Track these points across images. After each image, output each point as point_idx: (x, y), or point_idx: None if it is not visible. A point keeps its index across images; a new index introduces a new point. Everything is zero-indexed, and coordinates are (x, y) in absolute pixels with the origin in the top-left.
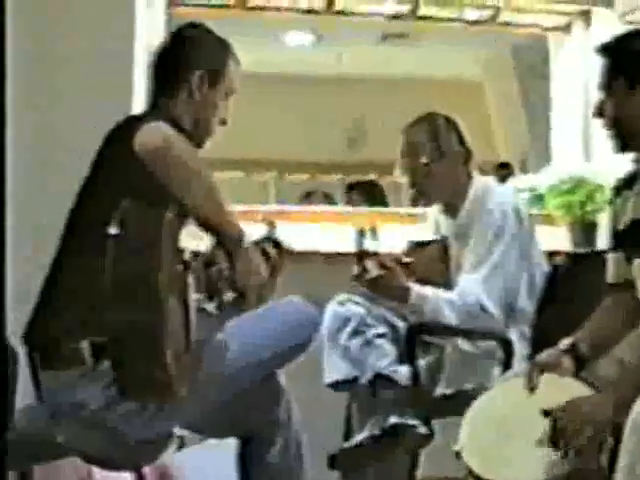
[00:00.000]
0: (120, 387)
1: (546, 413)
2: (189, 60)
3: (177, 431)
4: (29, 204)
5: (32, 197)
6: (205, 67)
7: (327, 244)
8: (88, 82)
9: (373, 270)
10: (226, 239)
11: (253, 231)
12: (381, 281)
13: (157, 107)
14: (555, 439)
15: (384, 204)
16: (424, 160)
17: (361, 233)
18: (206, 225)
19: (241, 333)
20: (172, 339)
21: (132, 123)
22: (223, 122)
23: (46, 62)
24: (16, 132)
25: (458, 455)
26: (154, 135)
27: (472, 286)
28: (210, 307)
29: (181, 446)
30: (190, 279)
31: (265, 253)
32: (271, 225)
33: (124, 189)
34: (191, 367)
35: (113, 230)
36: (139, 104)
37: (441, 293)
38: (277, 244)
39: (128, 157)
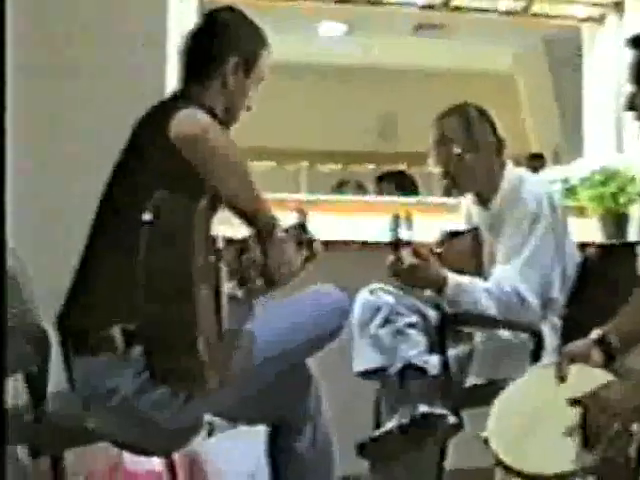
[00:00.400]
0: (151, 374)
1: (574, 402)
2: (223, 47)
3: (207, 418)
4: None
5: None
6: (240, 55)
7: (359, 234)
8: (119, 67)
9: (408, 259)
10: (260, 227)
11: (284, 220)
12: (417, 271)
13: (189, 92)
14: (584, 428)
15: (415, 194)
16: (457, 150)
17: (396, 221)
18: (240, 213)
19: (271, 321)
20: (204, 327)
21: (166, 109)
22: (248, 108)
23: (72, 44)
24: (32, 123)
25: (486, 442)
26: (191, 123)
27: (509, 276)
28: (240, 294)
29: (211, 432)
30: (222, 267)
31: (298, 242)
32: (302, 213)
33: (158, 177)
34: (222, 356)
35: (147, 217)
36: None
37: (478, 282)
38: (307, 232)
39: (163, 145)
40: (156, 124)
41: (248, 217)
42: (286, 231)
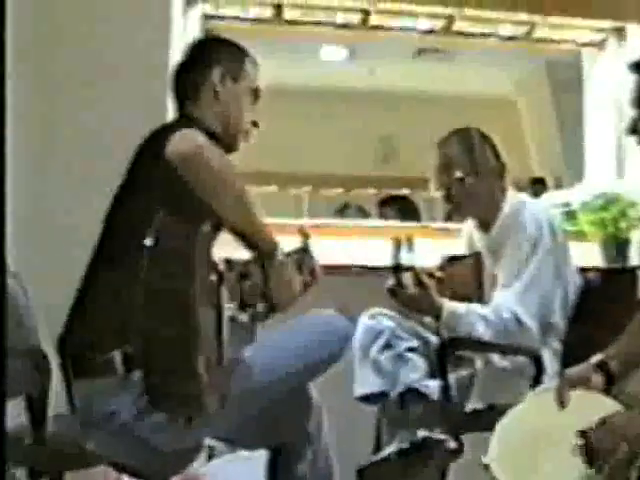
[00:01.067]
0: (150, 398)
1: (582, 433)
2: (207, 60)
3: (207, 442)
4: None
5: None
6: (223, 64)
7: (360, 258)
8: (122, 96)
9: (409, 287)
10: (260, 251)
11: (287, 245)
12: (415, 299)
13: (185, 114)
14: (590, 456)
15: (417, 219)
16: (459, 174)
17: (397, 244)
18: (239, 235)
19: (272, 345)
20: (204, 351)
21: (163, 132)
22: (255, 124)
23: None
24: (33, 131)
25: (487, 468)
26: (185, 142)
27: (507, 301)
28: (243, 318)
29: (211, 456)
30: (224, 291)
31: (299, 266)
32: (305, 236)
33: (158, 200)
34: (222, 380)
35: (149, 242)
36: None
37: (475, 309)
38: (310, 255)
39: (161, 166)
40: (154, 146)
41: (248, 239)
42: (288, 255)
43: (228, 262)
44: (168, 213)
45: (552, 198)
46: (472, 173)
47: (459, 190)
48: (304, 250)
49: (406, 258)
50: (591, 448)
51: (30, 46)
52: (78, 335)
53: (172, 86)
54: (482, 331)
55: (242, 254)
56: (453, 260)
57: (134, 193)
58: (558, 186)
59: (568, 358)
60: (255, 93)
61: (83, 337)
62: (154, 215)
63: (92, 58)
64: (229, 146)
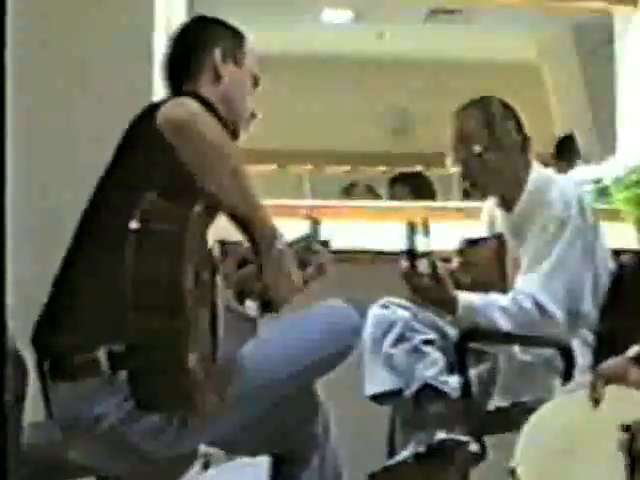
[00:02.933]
0: (139, 399)
1: (624, 428)
2: (207, 40)
3: (203, 449)
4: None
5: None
6: (223, 44)
7: (370, 243)
8: (104, 79)
9: (424, 278)
10: (256, 236)
11: (286, 229)
12: (429, 292)
13: (184, 92)
14: (632, 455)
15: (432, 199)
16: (478, 149)
17: (411, 229)
18: (235, 218)
19: (274, 341)
20: (197, 346)
21: (156, 105)
22: (253, 115)
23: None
24: (23, 124)
25: (513, 474)
26: (178, 108)
27: (529, 287)
28: (242, 310)
29: (207, 464)
30: (219, 280)
31: (304, 257)
32: (315, 222)
33: (147, 177)
34: (219, 377)
35: (134, 225)
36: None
37: (492, 300)
38: (322, 243)
39: (150, 136)
40: (145, 118)
41: (242, 221)
42: (292, 244)
43: (223, 245)
44: (157, 192)
45: (581, 174)
46: (492, 147)
47: (478, 166)
48: (311, 238)
49: (422, 243)
50: (632, 451)
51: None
52: (57, 332)
53: (165, 69)
54: (502, 324)
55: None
56: (473, 243)
57: (121, 170)
58: (587, 160)
59: (601, 351)
60: (254, 80)
61: (63, 334)
62: (141, 195)
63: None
64: (231, 132)
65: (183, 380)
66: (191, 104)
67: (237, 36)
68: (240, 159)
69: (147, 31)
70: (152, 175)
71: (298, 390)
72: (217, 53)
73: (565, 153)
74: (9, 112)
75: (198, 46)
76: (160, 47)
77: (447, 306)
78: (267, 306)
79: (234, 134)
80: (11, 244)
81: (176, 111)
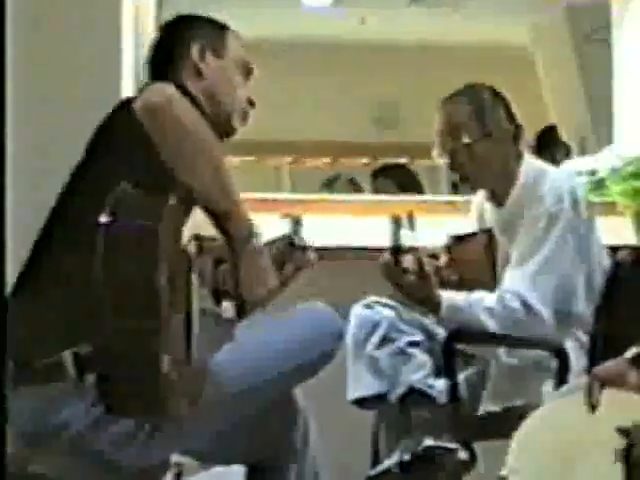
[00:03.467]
0: (108, 404)
1: (622, 432)
2: (185, 37)
3: (175, 458)
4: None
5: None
6: (201, 39)
7: (353, 239)
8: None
9: (407, 274)
10: (231, 233)
11: (265, 225)
12: (411, 289)
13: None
14: (629, 462)
15: (418, 192)
16: (466, 139)
17: (397, 222)
18: (209, 210)
19: (251, 345)
20: (170, 348)
21: (135, 96)
22: (251, 102)
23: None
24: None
25: None
26: (154, 93)
27: (516, 285)
28: (218, 311)
29: (179, 475)
30: (194, 279)
31: (283, 258)
32: (296, 223)
33: (120, 167)
34: (193, 382)
35: (104, 218)
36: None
37: (477, 300)
38: (303, 249)
39: (125, 123)
40: (121, 107)
41: (220, 218)
42: (273, 243)
43: (199, 240)
44: (130, 183)
45: (576, 165)
46: (482, 137)
47: (467, 157)
48: (292, 238)
49: (407, 238)
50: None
51: None
52: (17, 333)
53: (149, 72)
54: (488, 324)
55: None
56: (461, 239)
57: (93, 163)
58: (583, 151)
59: (597, 353)
60: (246, 69)
61: (25, 336)
62: (113, 186)
63: None
64: (224, 129)
65: (155, 384)
66: (168, 89)
67: (217, 29)
68: (219, 149)
69: (115, 29)
70: (125, 165)
71: (276, 398)
72: (194, 50)
73: (547, 147)
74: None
75: (176, 44)
76: (128, 47)
77: (430, 305)
78: (240, 308)
79: (226, 130)
80: (11, 244)
81: (152, 97)
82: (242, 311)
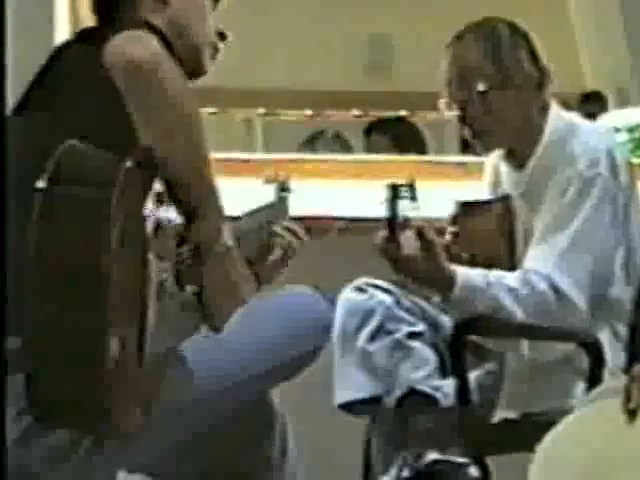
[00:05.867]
0: (39, 412)
1: None
2: None
3: (123, 476)
4: None
5: None
6: None
7: (341, 207)
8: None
9: (408, 247)
10: (196, 231)
11: (234, 191)
12: (415, 262)
13: (120, 19)
14: None
15: (420, 151)
16: (481, 87)
17: (394, 191)
18: (176, 193)
19: (224, 340)
20: (118, 342)
21: (94, 35)
22: (222, 35)
23: None
24: None
25: None
26: (135, 45)
27: (543, 264)
28: (185, 297)
29: None
30: (152, 259)
31: (263, 244)
32: (282, 189)
33: (71, 119)
34: (146, 385)
35: (41, 184)
36: None
37: (498, 279)
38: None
39: (89, 73)
40: (81, 50)
41: (185, 209)
42: (249, 218)
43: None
44: (78, 138)
45: (614, 120)
46: (500, 84)
47: (481, 108)
48: (277, 208)
49: (406, 208)
50: None
51: None
52: None
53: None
54: (510, 310)
55: None
56: (472, 207)
57: (35, 113)
58: (622, 103)
59: (637, 348)
60: None
61: None
62: (58, 143)
63: None
64: (192, 67)
65: (98, 387)
66: (150, 41)
67: None
68: (201, 124)
69: None
70: (79, 118)
71: (250, 401)
72: None
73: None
74: None
75: None
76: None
77: (440, 282)
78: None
79: (194, 68)
80: None
81: (134, 50)
82: (210, 327)
